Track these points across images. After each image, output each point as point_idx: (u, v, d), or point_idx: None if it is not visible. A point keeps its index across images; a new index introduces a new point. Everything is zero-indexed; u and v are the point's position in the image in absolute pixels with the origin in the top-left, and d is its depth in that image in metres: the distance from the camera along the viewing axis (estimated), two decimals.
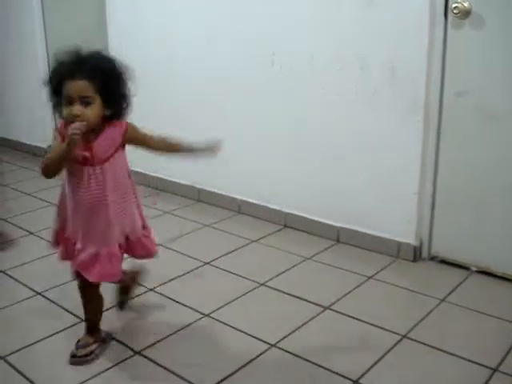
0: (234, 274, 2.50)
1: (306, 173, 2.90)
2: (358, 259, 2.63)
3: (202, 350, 1.95)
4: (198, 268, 2.57)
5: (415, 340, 1.97)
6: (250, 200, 3.18)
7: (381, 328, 2.04)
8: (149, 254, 1.90)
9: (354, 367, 1.81)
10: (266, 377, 1.80)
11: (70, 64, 1.61)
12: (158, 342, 1.98)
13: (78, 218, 1.73)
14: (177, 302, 2.26)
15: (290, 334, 2.02)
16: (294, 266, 2.57)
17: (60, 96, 1.61)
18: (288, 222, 3.02)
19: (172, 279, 2.45)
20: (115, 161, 1.69)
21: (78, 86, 1.56)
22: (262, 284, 2.40)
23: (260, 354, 1.90)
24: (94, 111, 1.58)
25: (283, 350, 1.93)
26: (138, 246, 1.84)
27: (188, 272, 2.53)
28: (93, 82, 1.57)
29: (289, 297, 2.29)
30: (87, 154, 1.63)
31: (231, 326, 2.08)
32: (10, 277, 2.51)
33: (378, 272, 2.49)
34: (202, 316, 2.15)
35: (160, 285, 2.39)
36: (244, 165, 3.15)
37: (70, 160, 1.63)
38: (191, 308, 2.20)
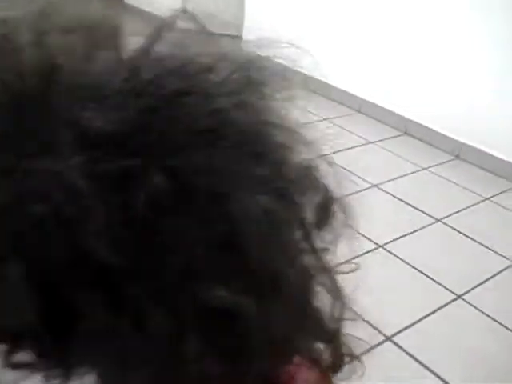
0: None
1: None
2: (477, 179, 2.57)
3: None
4: None
5: None
6: (417, 120, 2.92)
7: (492, 250, 2.04)
8: None
9: (460, 283, 1.84)
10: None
11: None
12: None
13: None
14: None
15: (397, 238, 2.06)
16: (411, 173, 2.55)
17: None
18: (462, 153, 2.75)
19: None
20: None
21: None
22: (375, 185, 2.40)
23: (367, 252, 1.96)
24: None
25: (389, 251, 1.98)
26: None
27: None
28: None
29: (401, 203, 2.30)
30: None
31: None
32: None
33: (495, 195, 2.43)
34: None
35: None
36: (407, 80, 2.92)
37: None
38: None
